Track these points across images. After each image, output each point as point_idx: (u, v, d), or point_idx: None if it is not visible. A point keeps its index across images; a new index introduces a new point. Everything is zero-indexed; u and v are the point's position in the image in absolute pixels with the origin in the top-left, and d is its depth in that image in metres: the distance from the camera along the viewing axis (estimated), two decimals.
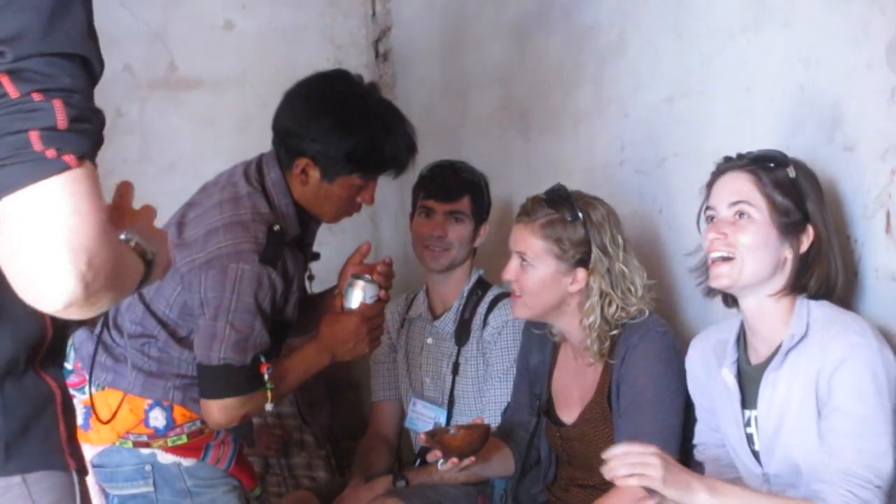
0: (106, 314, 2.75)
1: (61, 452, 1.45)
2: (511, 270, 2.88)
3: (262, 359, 2.60)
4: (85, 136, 1.25)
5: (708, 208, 2.43)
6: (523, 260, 2.86)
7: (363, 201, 2.79)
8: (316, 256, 2.89)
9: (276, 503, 3.65)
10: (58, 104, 1.22)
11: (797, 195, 2.35)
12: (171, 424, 2.65)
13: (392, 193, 4.54)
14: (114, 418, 2.62)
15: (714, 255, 2.37)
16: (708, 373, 2.54)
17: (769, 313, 2.38)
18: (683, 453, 2.77)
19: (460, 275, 3.58)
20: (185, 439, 2.66)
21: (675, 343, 2.86)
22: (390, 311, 3.73)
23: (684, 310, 3.14)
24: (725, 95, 2.89)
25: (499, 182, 3.71)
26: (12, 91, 1.21)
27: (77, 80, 1.23)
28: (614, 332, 2.85)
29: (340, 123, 2.68)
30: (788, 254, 2.35)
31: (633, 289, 2.85)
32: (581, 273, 2.84)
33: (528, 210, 2.88)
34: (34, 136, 1.22)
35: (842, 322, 2.29)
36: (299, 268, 2.72)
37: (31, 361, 1.40)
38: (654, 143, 3.22)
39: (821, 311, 2.33)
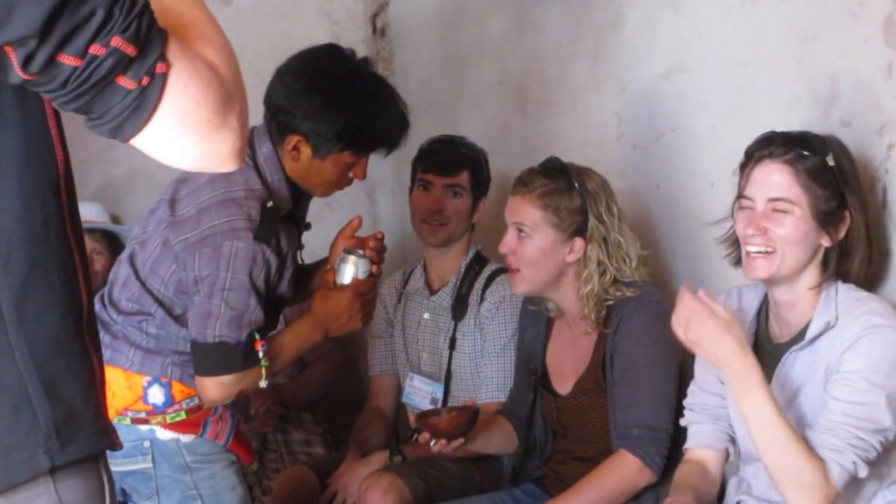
0: (102, 291, 2.75)
1: (110, 432, 1.43)
2: (508, 243, 2.89)
3: (257, 336, 2.60)
4: (153, 38, 1.23)
5: (744, 197, 2.36)
6: (521, 231, 2.88)
7: (355, 177, 2.78)
8: (307, 227, 2.89)
9: (273, 479, 3.66)
10: (117, 41, 1.20)
11: (835, 184, 2.30)
12: (169, 401, 2.65)
13: (389, 169, 4.54)
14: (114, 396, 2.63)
15: (752, 248, 2.33)
16: None
17: (798, 299, 2.36)
18: (678, 422, 2.78)
19: (458, 249, 3.58)
20: (183, 415, 2.67)
21: (669, 312, 2.87)
22: (387, 286, 3.74)
23: (678, 286, 3.14)
24: (723, 70, 2.89)
25: (496, 157, 3.71)
26: (74, 61, 1.19)
27: (105, 2, 1.19)
28: (610, 301, 2.87)
29: (331, 101, 2.67)
30: (825, 242, 2.32)
31: (627, 259, 2.87)
32: (578, 242, 2.86)
33: (525, 181, 2.90)
34: (123, 80, 1.22)
35: (865, 305, 2.27)
36: (293, 242, 2.72)
37: (79, 333, 1.39)
38: (651, 118, 3.22)
39: (846, 295, 2.31)
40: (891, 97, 2.33)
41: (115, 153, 4.23)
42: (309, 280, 2.90)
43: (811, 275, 2.34)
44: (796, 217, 2.29)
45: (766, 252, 2.31)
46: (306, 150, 2.69)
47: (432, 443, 2.90)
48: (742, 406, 2.25)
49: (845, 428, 2.19)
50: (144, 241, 2.69)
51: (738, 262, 2.50)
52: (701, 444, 2.60)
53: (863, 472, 2.18)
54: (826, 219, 2.30)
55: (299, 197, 2.77)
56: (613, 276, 2.87)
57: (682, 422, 2.66)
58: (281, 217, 2.64)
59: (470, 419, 2.89)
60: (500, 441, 3.19)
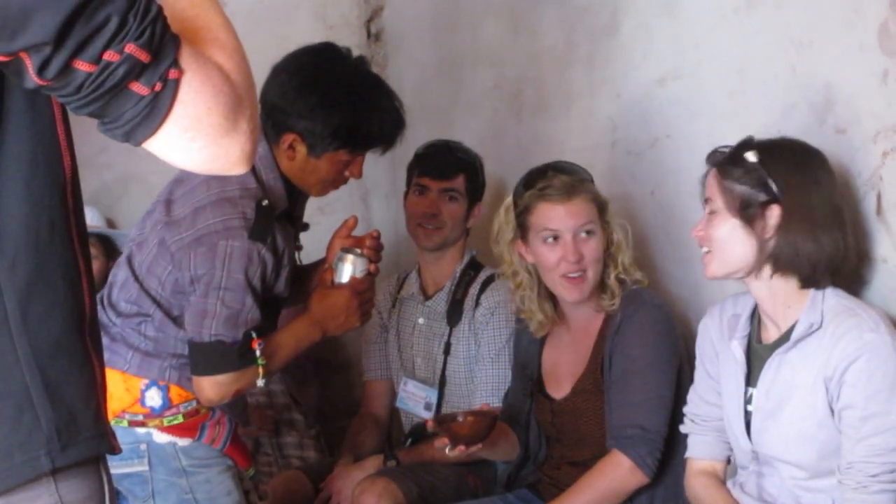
0: (101, 293, 2.75)
1: (109, 435, 1.44)
2: (577, 249, 2.88)
3: (254, 334, 2.59)
4: (166, 45, 1.25)
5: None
6: (586, 232, 2.90)
7: (351, 175, 2.78)
8: (305, 227, 2.89)
9: (266, 483, 3.65)
10: (131, 48, 1.21)
11: (758, 178, 2.34)
12: (167, 404, 2.65)
13: (384, 173, 4.54)
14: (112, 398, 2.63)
15: (701, 250, 2.44)
16: (720, 342, 2.54)
17: (778, 295, 2.37)
18: (674, 426, 2.79)
19: (453, 254, 3.58)
20: (180, 419, 2.66)
21: (670, 316, 2.91)
22: (382, 291, 3.73)
23: (673, 292, 3.15)
24: (717, 77, 2.90)
25: (491, 162, 3.71)
26: (88, 67, 1.20)
27: (119, 9, 1.21)
28: (625, 279, 2.94)
29: (327, 100, 2.67)
30: (762, 235, 2.34)
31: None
32: (606, 231, 2.94)
33: (566, 186, 2.91)
34: (136, 86, 1.24)
35: (855, 315, 2.27)
36: (289, 242, 2.71)
37: (82, 336, 1.40)
38: (645, 124, 3.22)
39: (835, 301, 2.32)
40: (886, 104, 2.34)
41: (109, 157, 4.22)
42: (307, 281, 2.90)
43: (765, 269, 2.37)
44: (720, 216, 2.38)
45: (707, 252, 2.41)
46: (302, 149, 2.69)
47: (447, 449, 2.88)
48: None
49: (864, 460, 2.20)
50: (141, 243, 2.69)
51: None
52: (708, 456, 2.62)
53: None
54: (752, 216, 2.34)
55: (296, 196, 2.76)
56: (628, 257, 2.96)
57: (683, 429, 2.68)
58: (277, 216, 2.64)
59: (489, 424, 2.89)
60: (505, 448, 3.18)
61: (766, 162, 2.35)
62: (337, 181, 2.78)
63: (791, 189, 2.33)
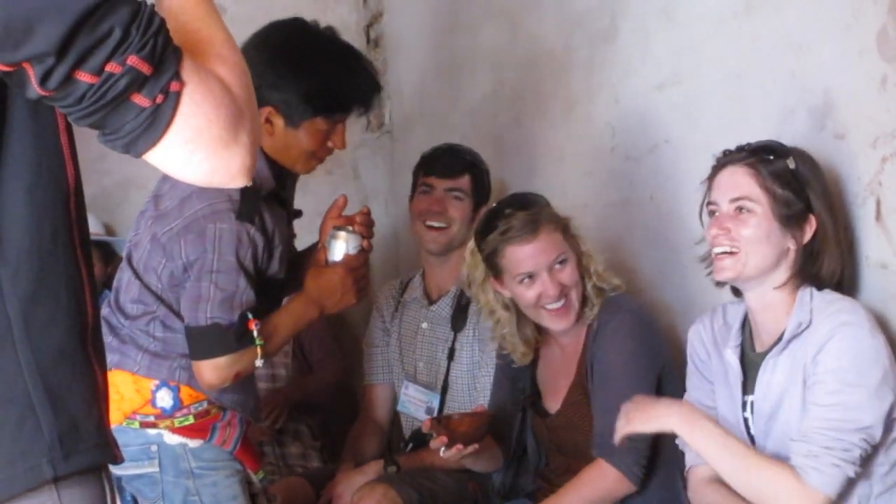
0: (109, 296, 2.76)
1: (111, 444, 1.44)
2: (557, 280, 2.87)
3: (250, 316, 2.60)
4: (168, 57, 1.26)
5: (710, 203, 2.43)
6: (560, 264, 2.88)
7: (334, 146, 2.76)
8: (298, 214, 2.89)
9: (268, 489, 3.64)
10: (133, 60, 1.22)
11: (797, 185, 2.35)
12: (177, 405, 2.65)
13: (383, 178, 4.55)
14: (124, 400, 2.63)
15: (717, 249, 2.37)
16: (714, 350, 2.54)
17: (772, 305, 2.38)
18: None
19: (458, 259, 3.56)
20: (191, 420, 2.66)
21: (648, 320, 2.91)
22: (384, 295, 3.74)
23: (671, 298, 3.15)
24: (716, 82, 2.90)
25: (490, 167, 3.71)
26: (90, 79, 1.21)
27: (122, 21, 1.21)
28: (605, 287, 2.93)
29: (296, 67, 2.67)
30: (791, 245, 2.35)
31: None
32: (574, 250, 2.92)
33: (531, 220, 2.88)
34: (138, 98, 1.24)
35: (836, 305, 2.30)
36: (280, 222, 2.70)
37: (84, 345, 1.40)
38: (644, 129, 3.22)
39: (820, 299, 2.33)
40: (885, 109, 2.34)
41: (108, 163, 4.22)
42: (303, 267, 2.89)
43: (779, 277, 2.37)
44: (758, 217, 2.34)
45: (731, 252, 2.35)
46: (279, 122, 2.68)
47: (442, 450, 2.87)
48: (696, 444, 2.39)
49: (820, 431, 2.21)
50: (137, 243, 2.71)
51: (718, 281, 2.52)
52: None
53: (851, 471, 2.19)
54: (789, 221, 2.34)
55: (283, 178, 2.76)
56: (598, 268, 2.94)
57: (679, 441, 2.65)
58: (264, 197, 2.64)
59: (488, 423, 2.89)
60: (487, 457, 3.15)
61: (801, 171, 2.36)
62: (319, 153, 2.77)
63: (824, 202, 2.36)
